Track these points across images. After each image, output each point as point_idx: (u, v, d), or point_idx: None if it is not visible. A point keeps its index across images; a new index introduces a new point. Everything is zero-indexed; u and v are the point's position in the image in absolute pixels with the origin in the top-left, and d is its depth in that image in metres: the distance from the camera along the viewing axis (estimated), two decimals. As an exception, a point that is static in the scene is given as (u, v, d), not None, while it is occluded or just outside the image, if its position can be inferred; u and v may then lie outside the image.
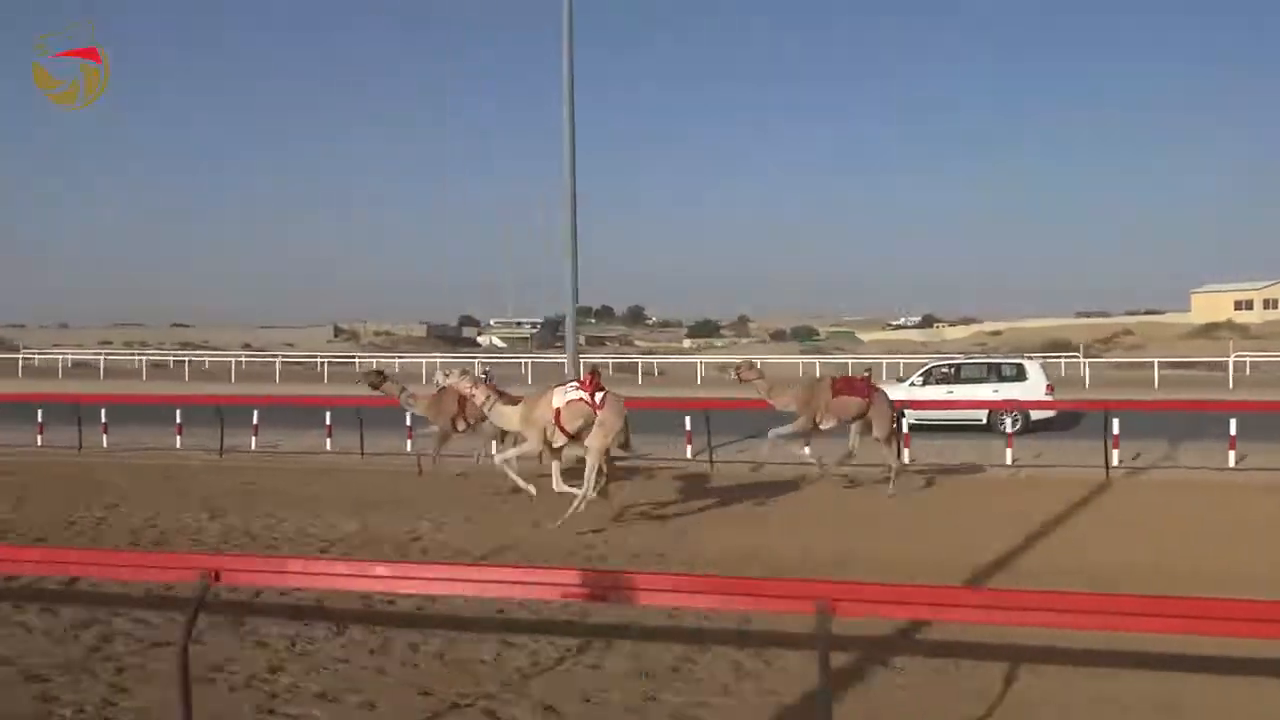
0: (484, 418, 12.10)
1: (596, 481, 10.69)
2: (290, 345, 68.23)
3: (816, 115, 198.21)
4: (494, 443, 14.04)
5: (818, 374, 21.53)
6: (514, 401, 11.38)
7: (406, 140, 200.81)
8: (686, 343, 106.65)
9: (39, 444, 18.22)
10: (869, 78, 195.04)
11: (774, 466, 14.96)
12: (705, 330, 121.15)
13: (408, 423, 16.02)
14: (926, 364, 23.45)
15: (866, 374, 14.71)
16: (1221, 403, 20.96)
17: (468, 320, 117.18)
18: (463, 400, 12.78)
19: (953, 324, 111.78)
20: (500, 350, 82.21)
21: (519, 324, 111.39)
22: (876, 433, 13.42)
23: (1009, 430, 17.32)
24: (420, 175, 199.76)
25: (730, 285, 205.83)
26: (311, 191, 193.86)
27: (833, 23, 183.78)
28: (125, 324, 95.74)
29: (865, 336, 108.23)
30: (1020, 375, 20.82)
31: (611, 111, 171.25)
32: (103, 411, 18.80)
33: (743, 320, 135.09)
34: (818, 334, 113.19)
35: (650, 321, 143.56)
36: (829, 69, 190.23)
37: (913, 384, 21.01)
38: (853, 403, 13.35)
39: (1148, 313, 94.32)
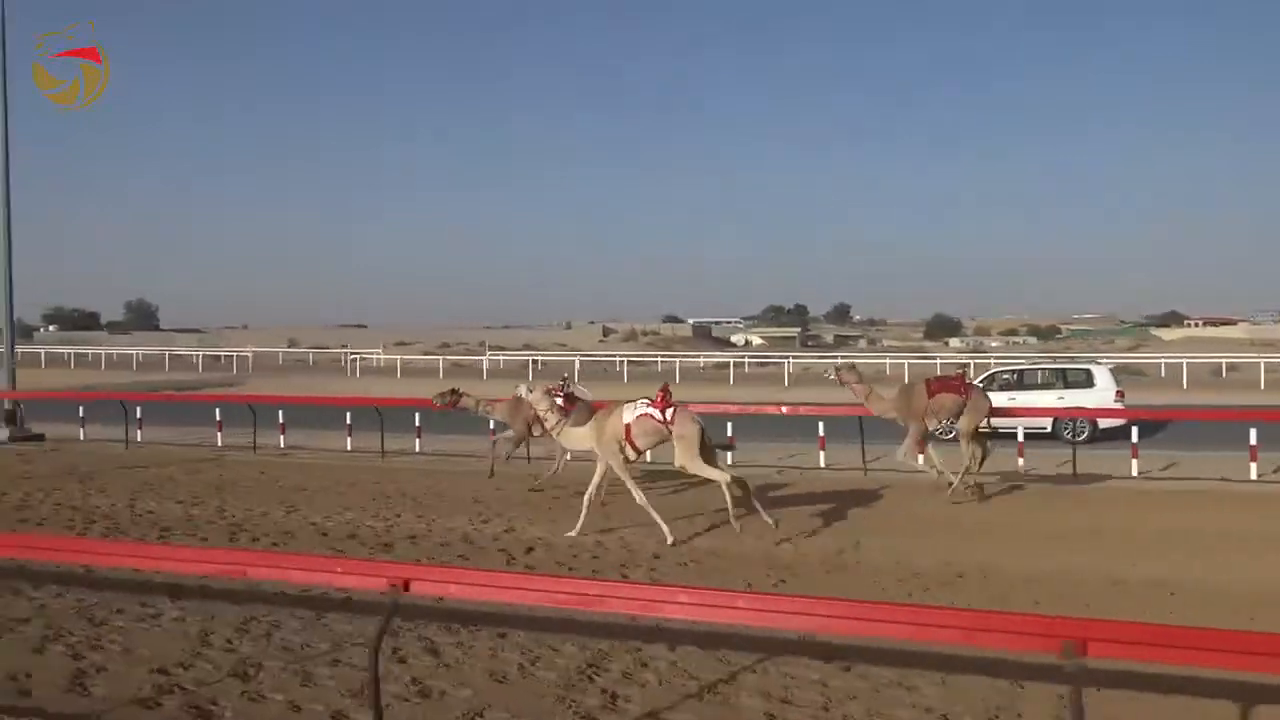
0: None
1: (734, 490, 10.51)
2: (557, 345, 69.12)
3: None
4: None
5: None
6: (583, 422, 11.39)
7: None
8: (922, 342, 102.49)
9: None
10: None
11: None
12: (943, 329, 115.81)
13: (490, 426, 15.92)
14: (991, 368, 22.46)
15: (960, 372, 14.75)
16: None
17: (671, 318, 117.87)
18: (533, 412, 12.65)
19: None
20: (758, 349, 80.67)
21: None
22: (962, 426, 13.24)
23: (1073, 439, 17.40)
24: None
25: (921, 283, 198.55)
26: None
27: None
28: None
29: (1167, 335, 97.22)
30: (1088, 381, 19.99)
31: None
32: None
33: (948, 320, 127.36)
34: (1060, 331, 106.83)
35: (855, 319, 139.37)
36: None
37: None
38: (950, 400, 13.26)
39: None
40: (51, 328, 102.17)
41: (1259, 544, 10.20)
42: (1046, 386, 19.75)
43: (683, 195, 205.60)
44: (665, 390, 10.89)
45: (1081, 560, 9.47)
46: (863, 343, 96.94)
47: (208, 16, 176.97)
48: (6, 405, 20.97)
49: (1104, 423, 18.75)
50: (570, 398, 12.09)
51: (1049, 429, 19.15)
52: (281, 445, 19.01)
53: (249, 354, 58.13)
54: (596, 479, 10.99)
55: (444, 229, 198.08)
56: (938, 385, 13.63)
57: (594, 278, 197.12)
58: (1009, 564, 9.34)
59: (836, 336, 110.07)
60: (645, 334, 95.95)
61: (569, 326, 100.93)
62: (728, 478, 10.55)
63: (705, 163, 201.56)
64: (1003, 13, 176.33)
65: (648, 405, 10.62)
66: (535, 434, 14.02)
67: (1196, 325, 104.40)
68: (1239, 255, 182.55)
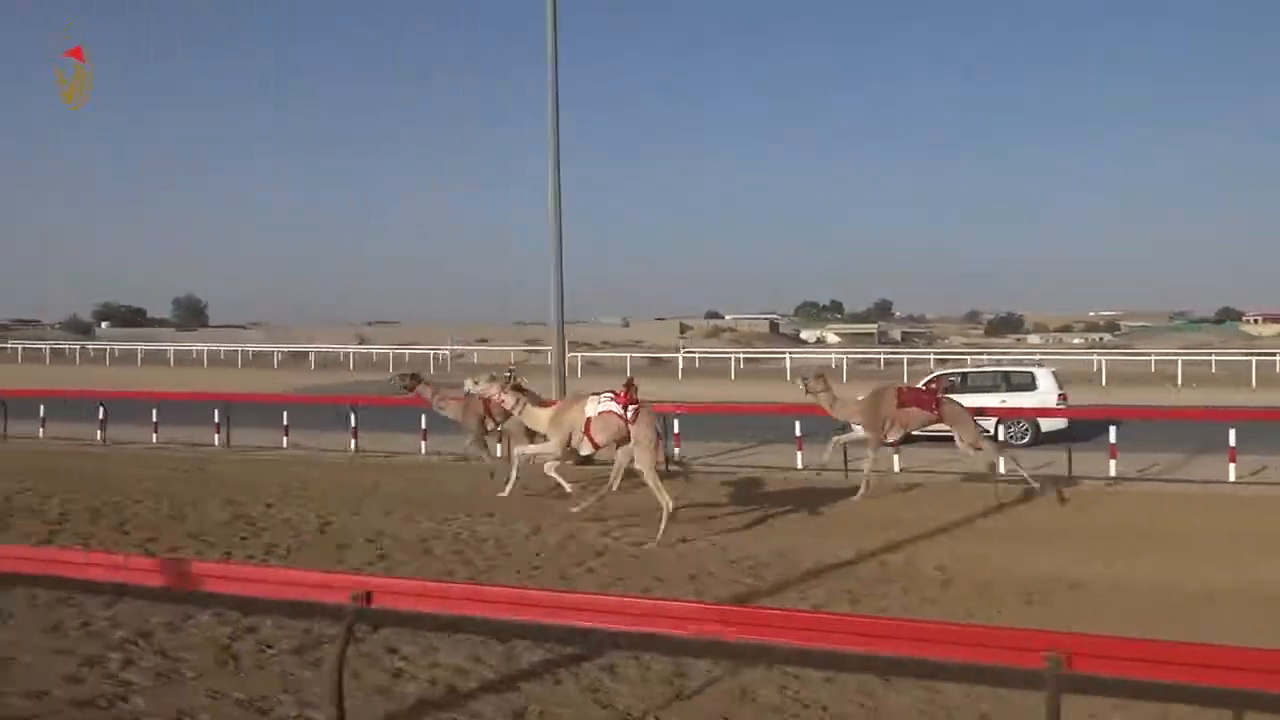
0: (508, 416, 12.23)
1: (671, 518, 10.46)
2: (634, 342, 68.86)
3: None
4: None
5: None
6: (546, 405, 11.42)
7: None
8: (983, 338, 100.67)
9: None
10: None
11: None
12: (1006, 326, 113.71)
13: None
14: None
15: (932, 383, 14.55)
16: None
17: (713, 314, 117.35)
18: (488, 402, 12.63)
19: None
20: (833, 347, 78.62)
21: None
22: (963, 440, 13.11)
23: (1015, 442, 18.04)
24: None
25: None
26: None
27: None
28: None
29: (1255, 331, 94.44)
30: (1031, 384, 19.78)
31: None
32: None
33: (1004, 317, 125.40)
34: (1118, 328, 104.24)
35: (896, 315, 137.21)
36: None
37: None
38: (918, 414, 13.14)
39: None
40: (104, 324, 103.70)
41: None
42: (991, 389, 19.40)
43: (696, 194, 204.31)
44: (629, 385, 10.69)
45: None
46: (922, 341, 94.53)
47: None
48: None
49: (1046, 427, 18.70)
50: (519, 388, 11.75)
51: (991, 432, 18.85)
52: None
53: (395, 351, 56.76)
54: (535, 448, 11.30)
55: (445, 227, 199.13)
56: (909, 396, 13.51)
57: (614, 276, 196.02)
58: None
59: (904, 334, 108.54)
60: (723, 331, 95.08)
61: (626, 324, 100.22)
62: (671, 507, 10.42)
63: (709, 162, 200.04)
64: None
65: (611, 400, 10.50)
66: (488, 429, 13.84)
67: (1256, 321, 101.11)
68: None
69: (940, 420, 13.29)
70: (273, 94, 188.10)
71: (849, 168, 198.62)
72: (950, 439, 13.74)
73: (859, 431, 13.35)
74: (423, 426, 17.30)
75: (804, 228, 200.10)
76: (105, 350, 60.94)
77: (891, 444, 13.95)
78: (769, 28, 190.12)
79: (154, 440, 19.19)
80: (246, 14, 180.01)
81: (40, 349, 60.91)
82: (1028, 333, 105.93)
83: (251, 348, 59.96)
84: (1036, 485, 13.13)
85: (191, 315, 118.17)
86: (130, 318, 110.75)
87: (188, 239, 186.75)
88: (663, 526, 10.30)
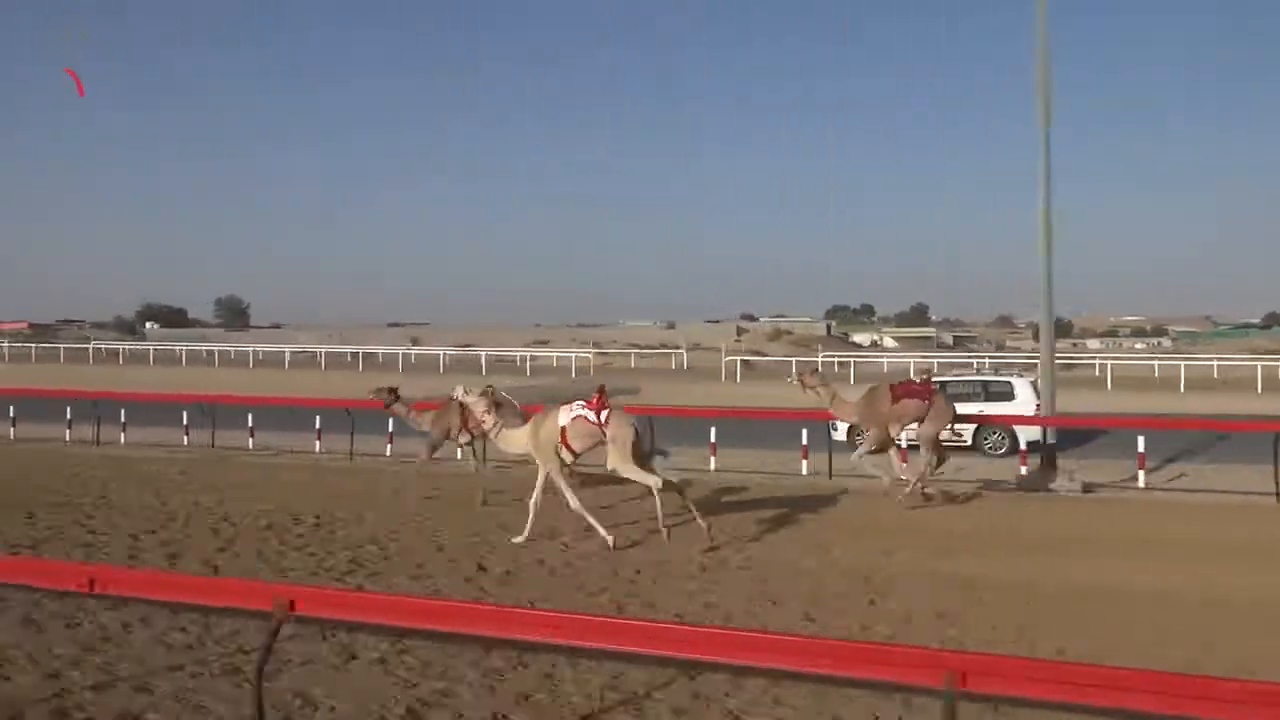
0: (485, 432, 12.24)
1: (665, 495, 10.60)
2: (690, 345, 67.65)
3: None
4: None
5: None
6: (514, 425, 11.44)
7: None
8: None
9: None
10: None
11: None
12: (1064, 331, 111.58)
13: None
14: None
15: (925, 376, 14.70)
16: None
17: (748, 316, 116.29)
18: (465, 415, 13.10)
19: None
20: (891, 351, 77.45)
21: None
22: (923, 431, 13.22)
23: (993, 452, 18.60)
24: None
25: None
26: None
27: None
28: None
29: None
30: (1009, 394, 19.78)
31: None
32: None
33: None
34: (1166, 333, 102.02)
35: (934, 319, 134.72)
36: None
37: None
38: (914, 406, 13.26)
39: None
40: (150, 325, 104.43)
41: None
42: (969, 398, 19.10)
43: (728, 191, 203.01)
44: (601, 391, 10.77)
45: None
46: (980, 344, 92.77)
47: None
48: None
49: (1024, 438, 18.11)
50: (497, 404, 11.83)
51: (969, 442, 19.17)
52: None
53: (446, 352, 56.83)
54: (539, 483, 10.93)
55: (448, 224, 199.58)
56: (902, 390, 13.66)
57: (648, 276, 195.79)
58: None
59: (955, 338, 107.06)
60: (781, 334, 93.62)
61: (672, 326, 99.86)
62: (659, 483, 10.50)
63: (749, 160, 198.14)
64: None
65: (583, 407, 10.59)
66: (457, 439, 14.11)
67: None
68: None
69: (931, 408, 13.34)
70: (319, 91, 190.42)
71: (873, 165, 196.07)
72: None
73: (871, 435, 13.52)
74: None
75: (827, 229, 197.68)
76: (176, 350, 61.56)
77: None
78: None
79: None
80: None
81: (108, 349, 62.48)
82: (1078, 337, 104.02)
83: (323, 349, 60.42)
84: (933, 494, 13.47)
85: (234, 316, 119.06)
86: (172, 318, 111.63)
87: (227, 240, 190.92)
88: (659, 504, 10.58)
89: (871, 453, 13.61)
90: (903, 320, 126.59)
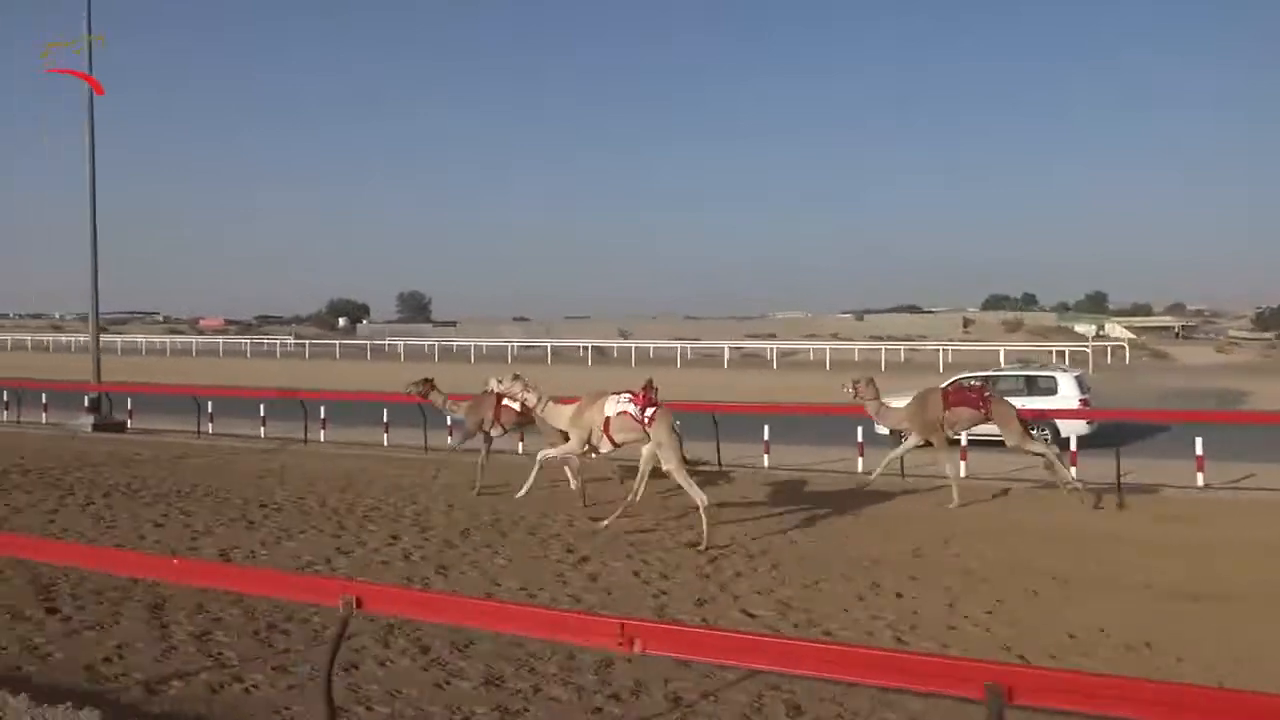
0: (521, 424, 12.86)
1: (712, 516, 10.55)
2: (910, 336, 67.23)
3: None
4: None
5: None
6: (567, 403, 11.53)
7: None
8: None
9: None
10: None
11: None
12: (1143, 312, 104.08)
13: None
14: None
15: (980, 382, 14.45)
16: None
17: (912, 308, 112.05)
18: (498, 407, 13.35)
19: None
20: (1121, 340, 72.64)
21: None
22: (1009, 443, 13.16)
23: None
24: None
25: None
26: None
27: None
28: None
29: None
30: (1052, 388, 19.65)
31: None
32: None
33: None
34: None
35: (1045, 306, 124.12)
36: None
37: None
38: (968, 414, 13.22)
39: None
40: (342, 321, 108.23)
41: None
42: (1013, 394, 18.24)
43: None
44: (648, 387, 10.66)
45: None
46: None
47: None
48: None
49: (1065, 431, 18.14)
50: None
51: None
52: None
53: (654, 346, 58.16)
54: (558, 450, 11.49)
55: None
56: (956, 397, 13.46)
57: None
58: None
59: (1183, 327, 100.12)
60: (1020, 324, 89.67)
61: (861, 318, 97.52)
62: (706, 502, 10.43)
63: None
64: None
65: (628, 401, 10.55)
66: (490, 431, 13.99)
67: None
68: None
69: (989, 420, 13.21)
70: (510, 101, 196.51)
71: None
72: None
73: (912, 441, 13.52)
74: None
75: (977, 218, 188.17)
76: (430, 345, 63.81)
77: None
78: None
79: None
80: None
81: (388, 346, 64.98)
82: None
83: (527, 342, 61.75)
84: (1079, 486, 13.17)
85: (415, 310, 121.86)
86: (357, 314, 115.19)
87: (414, 237, 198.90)
88: (705, 525, 10.34)
89: (944, 457, 13.43)
90: (1081, 309, 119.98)
